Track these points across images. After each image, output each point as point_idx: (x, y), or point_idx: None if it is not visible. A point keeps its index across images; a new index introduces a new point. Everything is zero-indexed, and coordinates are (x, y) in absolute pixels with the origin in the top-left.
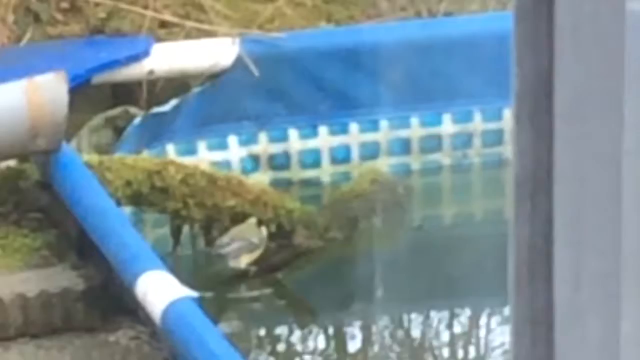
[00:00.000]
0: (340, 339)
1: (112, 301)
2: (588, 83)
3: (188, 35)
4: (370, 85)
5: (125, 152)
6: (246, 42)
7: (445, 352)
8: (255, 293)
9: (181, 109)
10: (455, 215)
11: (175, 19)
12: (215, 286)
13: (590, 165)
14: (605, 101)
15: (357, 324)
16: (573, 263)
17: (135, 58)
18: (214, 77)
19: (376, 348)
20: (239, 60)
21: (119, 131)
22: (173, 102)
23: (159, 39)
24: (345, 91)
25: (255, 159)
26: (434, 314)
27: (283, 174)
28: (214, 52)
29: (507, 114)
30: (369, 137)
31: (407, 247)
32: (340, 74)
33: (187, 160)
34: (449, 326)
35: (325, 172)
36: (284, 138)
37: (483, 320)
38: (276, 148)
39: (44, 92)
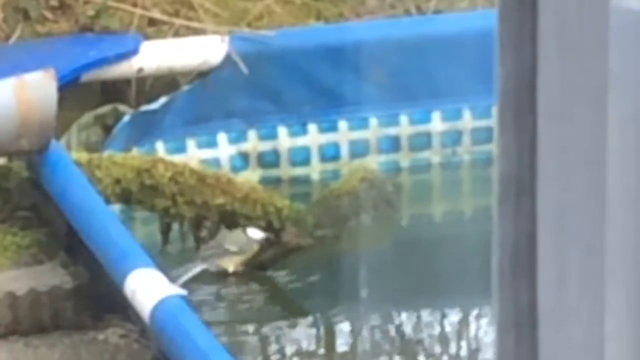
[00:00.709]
0: (329, 337)
1: (102, 299)
2: (572, 82)
3: (177, 33)
4: (359, 83)
5: (114, 150)
6: (235, 40)
7: (434, 349)
8: (242, 290)
9: (170, 106)
10: (444, 213)
11: (164, 17)
12: (201, 284)
13: (575, 165)
14: (589, 101)
15: (347, 321)
16: (557, 263)
17: (125, 56)
18: (203, 75)
19: (365, 345)
20: (228, 58)
21: (108, 129)
22: (162, 100)
23: (148, 37)
24: (334, 89)
25: (244, 157)
26: (422, 312)
27: (272, 172)
28: (203, 50)
29: None
30: (358, 134)
31: (396, 244)
32: (330, 72)
33: (177, 158)
34: (438, 324)
35: (315, 170)
36: (273, 136)
37: (470, 319)
38: (265, 146)
39: (33, 90)
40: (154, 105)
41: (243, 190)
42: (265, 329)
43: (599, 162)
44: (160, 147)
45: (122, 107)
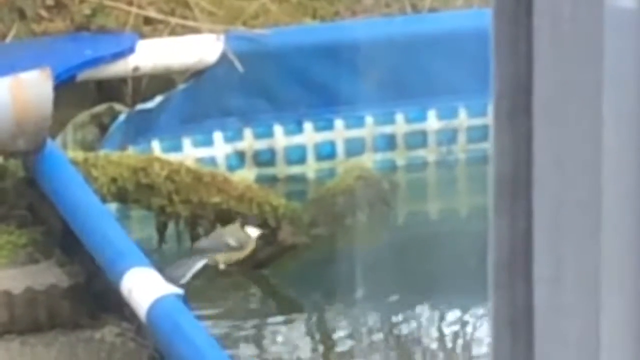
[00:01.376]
0: (325, 335)
1: (98, 298)
2: (567, 83)
3: (173, 32)
4: (355, 82)
5: (110, 149)
6: (231, 39)
7: (429, 347)
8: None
9: (166, 105)
10: (440, 211)
11: (159, 16)
12: (197, 282)
13: (570, 165)
14: (584, 101)
15: (342, 319)
16: (553, 263)
17: (120, 55)
18: (198, 74)
19: (361, 343)
20: (223, 57)
21: (104, 128)
22: (158, 99)
23: (144, 36)
24: (330, 87)
25: (240, 156)
26: (418, 310)
27: (268, 171)
28: (199, 48)
29: None
30: (354, 133)
31: (391, 243)
32: (325, 70)
33: (173, 157)
34: (433, 322)
35: (311, 168)
36: (269, 134)
37: (465, 317)
38: (261, 144)
39: (29, 89)
40: (149, 104)
41: (239, 188)
42: (261, 326)
43: (594, 161)
44: (156, 146)
45: (118, 106)
